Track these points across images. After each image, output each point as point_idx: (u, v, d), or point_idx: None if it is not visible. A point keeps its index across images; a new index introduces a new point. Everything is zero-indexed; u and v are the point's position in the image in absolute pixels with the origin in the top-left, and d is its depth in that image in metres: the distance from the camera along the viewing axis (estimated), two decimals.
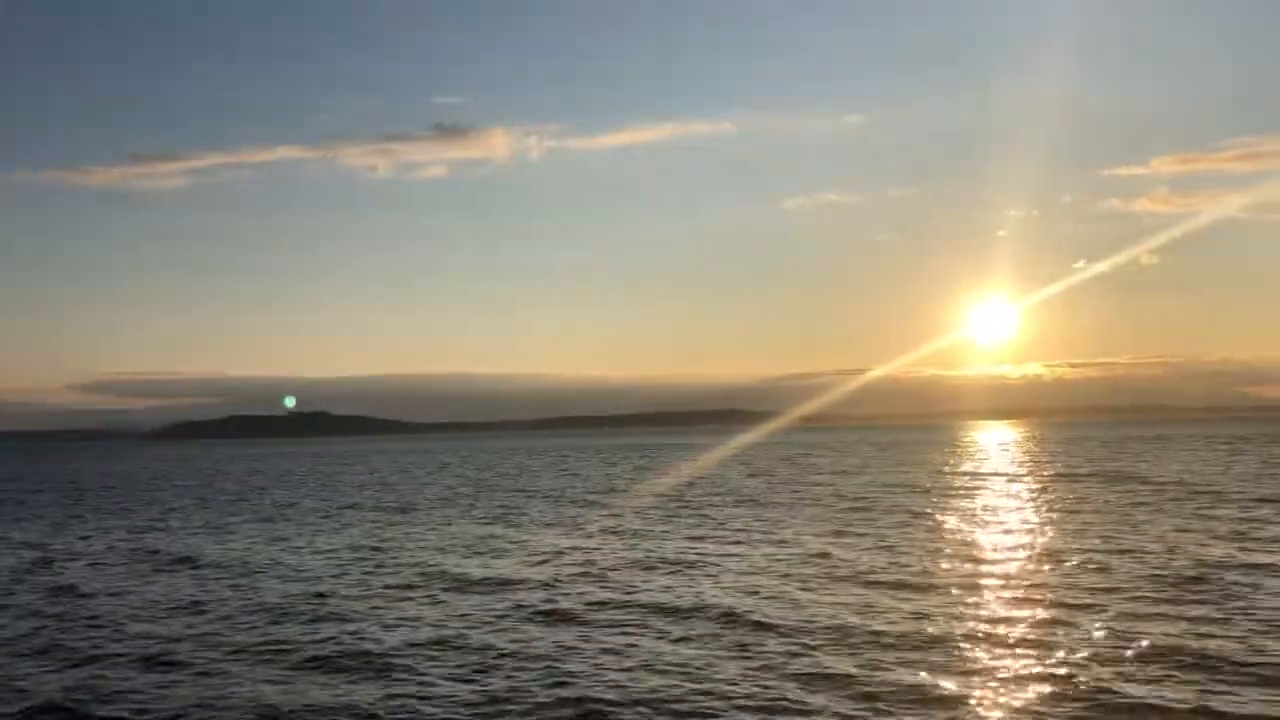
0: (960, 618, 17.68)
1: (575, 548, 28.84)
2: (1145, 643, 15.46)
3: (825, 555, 25.50)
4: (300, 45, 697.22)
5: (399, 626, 18.55)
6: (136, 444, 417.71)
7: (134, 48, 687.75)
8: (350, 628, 18.49)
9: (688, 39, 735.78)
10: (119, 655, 16.99)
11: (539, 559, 26.68)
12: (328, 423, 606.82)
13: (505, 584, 22.73)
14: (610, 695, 13.79)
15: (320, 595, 22.00)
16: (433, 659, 16.08)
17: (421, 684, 14.73)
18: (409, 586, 22.94)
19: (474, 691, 14.26)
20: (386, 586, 23.01)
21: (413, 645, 16.96)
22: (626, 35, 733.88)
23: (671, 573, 23.72)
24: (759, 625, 17.61)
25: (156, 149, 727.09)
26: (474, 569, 25.13)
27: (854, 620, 17.64)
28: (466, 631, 17.96)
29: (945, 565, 23.46)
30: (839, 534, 30.05)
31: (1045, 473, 58.52)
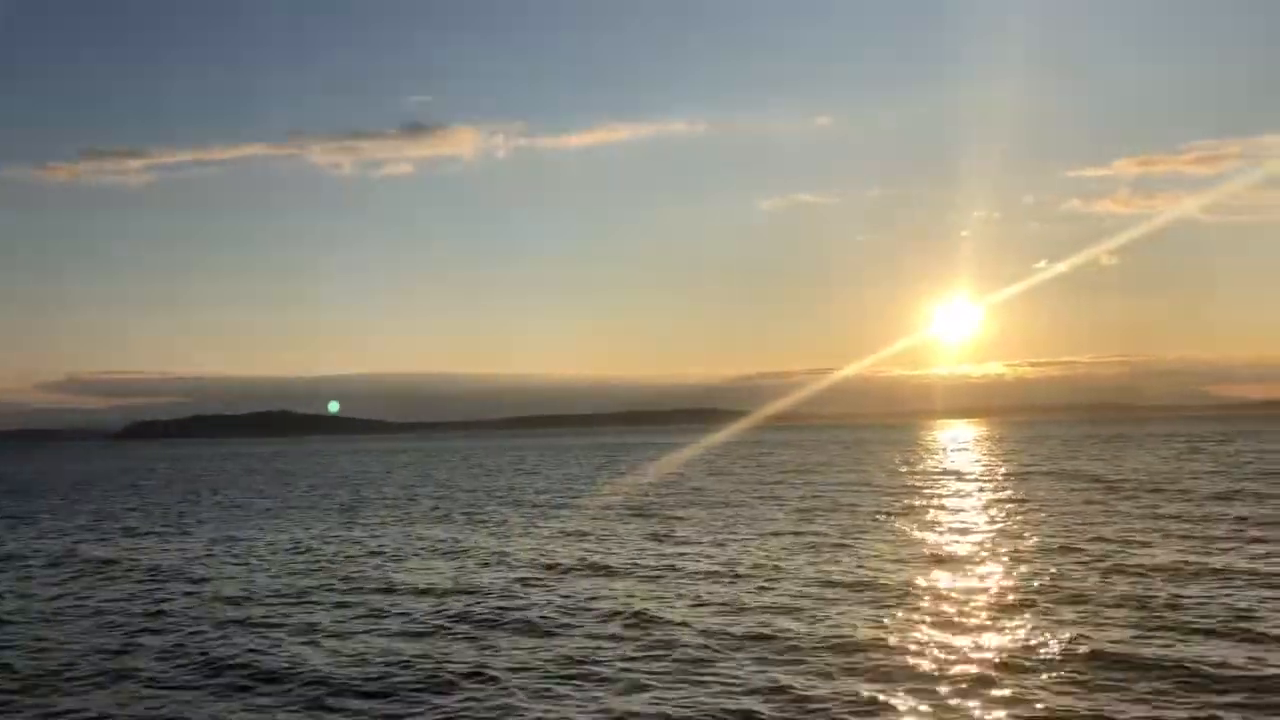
0: (882, 622, 17.15)
1: (510, 551, 28.15)
2: (1065, 645, 14.98)
3: (766, 559, 24.93)
4: (267, 41, 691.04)
5: (303, 633, 17.79)
6: (102, 444, 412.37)
7: (100, 42, 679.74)
8: (244, 636, 17.66)
9: (658, 39, 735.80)
10: None
11: (470, 562, 25.98)
12: (298, 423, 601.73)
13: (423, 591, 21.95)
14: (507, 701, 13.16)
15: (226, 600, 21.23)
16: (327, 667, 15.35)
17: (305, 693, 14.02)
18: (316, 589, 22.18)
19: (361, 698, 13.59)
20: (297, 590, 22.21)
21: (303, 650, 16.22)
22: (596, 34, 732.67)
23: (597, 576, 23.08)
24: (667, 625, 17.02)
25: (121, 145, 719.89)
26: (398, 573, 24.38)
27: (777, 623, 17.07)
28: (369, 638, 17.24)
29: (878, 567, 22.94)
30: (777, 534, 29.53)
31: (997, 472, 58.40)
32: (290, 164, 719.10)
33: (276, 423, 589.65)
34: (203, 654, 16.44)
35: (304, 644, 16.84)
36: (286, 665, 15.44)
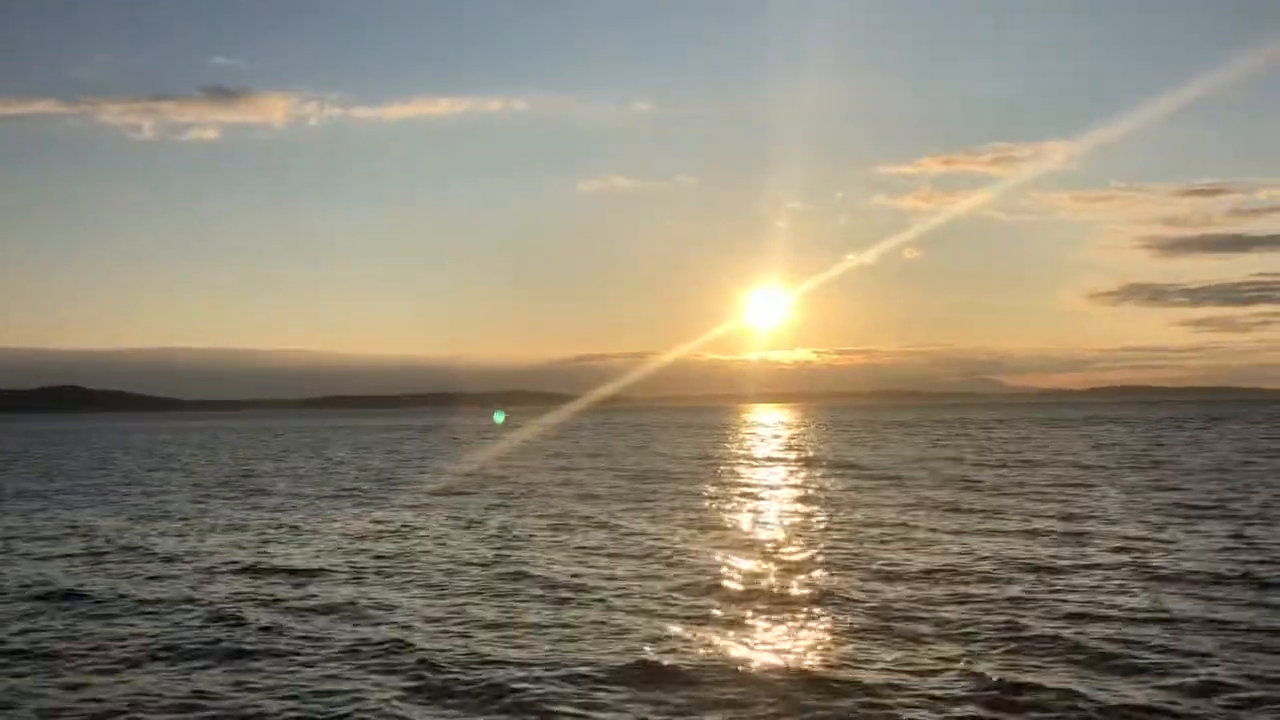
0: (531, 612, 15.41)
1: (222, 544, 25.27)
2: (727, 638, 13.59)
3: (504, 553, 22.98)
4: None
5: None
6: None
7: None
8: None
9: (480, 13, 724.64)
10: None
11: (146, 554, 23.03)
12: (84, 399, 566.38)
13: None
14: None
15: None
16: None
17: None
18: None
19: None
20: None
21: None
22: (414, 4, 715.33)
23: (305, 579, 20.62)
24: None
25: None
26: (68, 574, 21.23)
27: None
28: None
29: (555, 558, 21.31)
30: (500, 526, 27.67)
31: (758, 457, 58.54)
32: (83, 124, 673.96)
33: (63, 399, 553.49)
34: None
35: None
36: None
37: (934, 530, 24.93)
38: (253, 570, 21.07)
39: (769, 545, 23.19)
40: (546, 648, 14.10)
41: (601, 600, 17.22)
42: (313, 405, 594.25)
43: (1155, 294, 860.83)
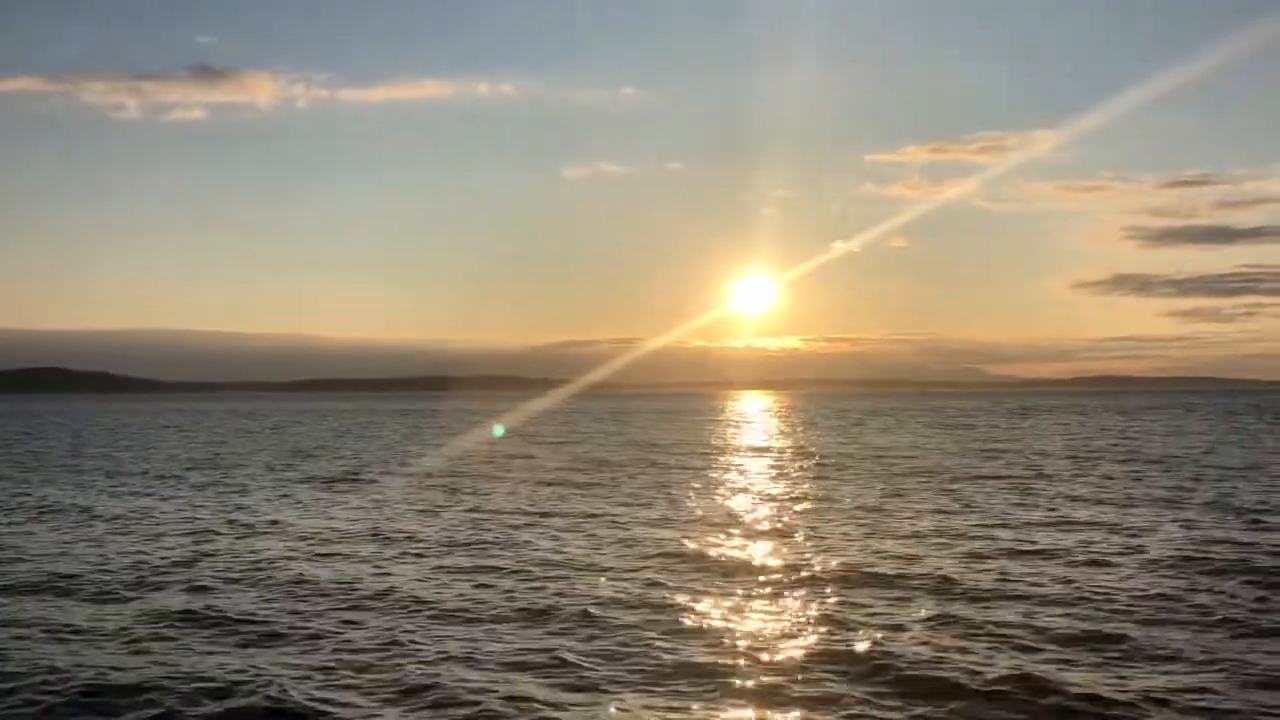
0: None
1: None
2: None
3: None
4: None
5: None
6: None
7: None
8: None
9: None
10: None
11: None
12: (64, 380, 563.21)
13: None
14: None
15: None
16: None
17: None
18: None
19: None
20: None
21: None
22: None
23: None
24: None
25: None
26: None
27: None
28: None
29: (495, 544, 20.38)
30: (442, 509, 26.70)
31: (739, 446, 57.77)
32: (65, 102, 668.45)
33: (45, 380, 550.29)
34: None
35: None
36: None
37: (857, 519, 24.10)
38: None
39: (686, 531, 22.28)
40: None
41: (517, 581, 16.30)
42: (296, 388, 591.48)
43: (1142, 284, 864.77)
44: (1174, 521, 23.40)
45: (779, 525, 23.93)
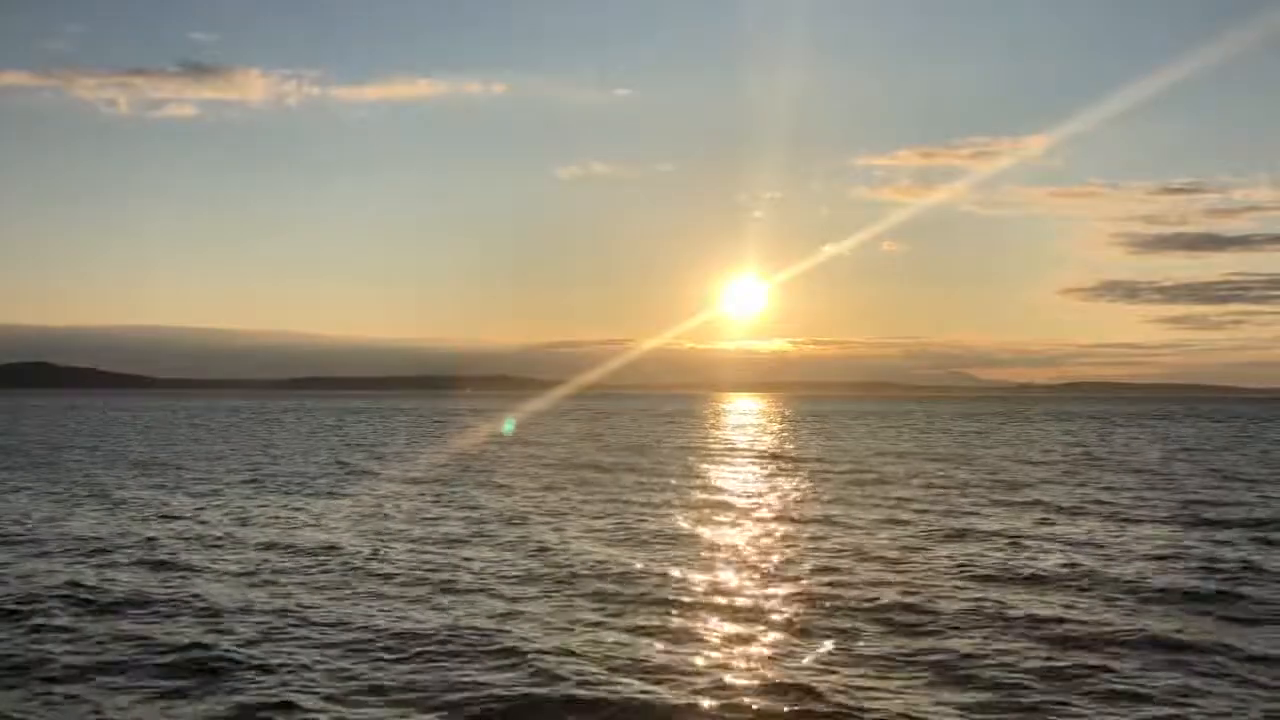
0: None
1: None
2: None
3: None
4: None
5: None
6: None
7: None
8: None
9: None
10: None
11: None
12: (54, 376, 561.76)
13: None
14: None
15: None
16: None
17: None
18: None
19: None
20: None
21: None
22: None
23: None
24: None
25: None
26: None
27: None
28: None
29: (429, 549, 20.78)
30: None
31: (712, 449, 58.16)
32: (56, 98, 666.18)
33: (32, 376, 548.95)
34: None
35: None
36: None
37: (803, 521, 24.55)
38: None
39: (639, 535, 22.72)
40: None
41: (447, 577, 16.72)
42: (286, 386, 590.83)
43: (1130, 291, 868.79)
44: (1115, 532, 23.89)
45: (701, 535, 24.35)
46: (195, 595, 16.57)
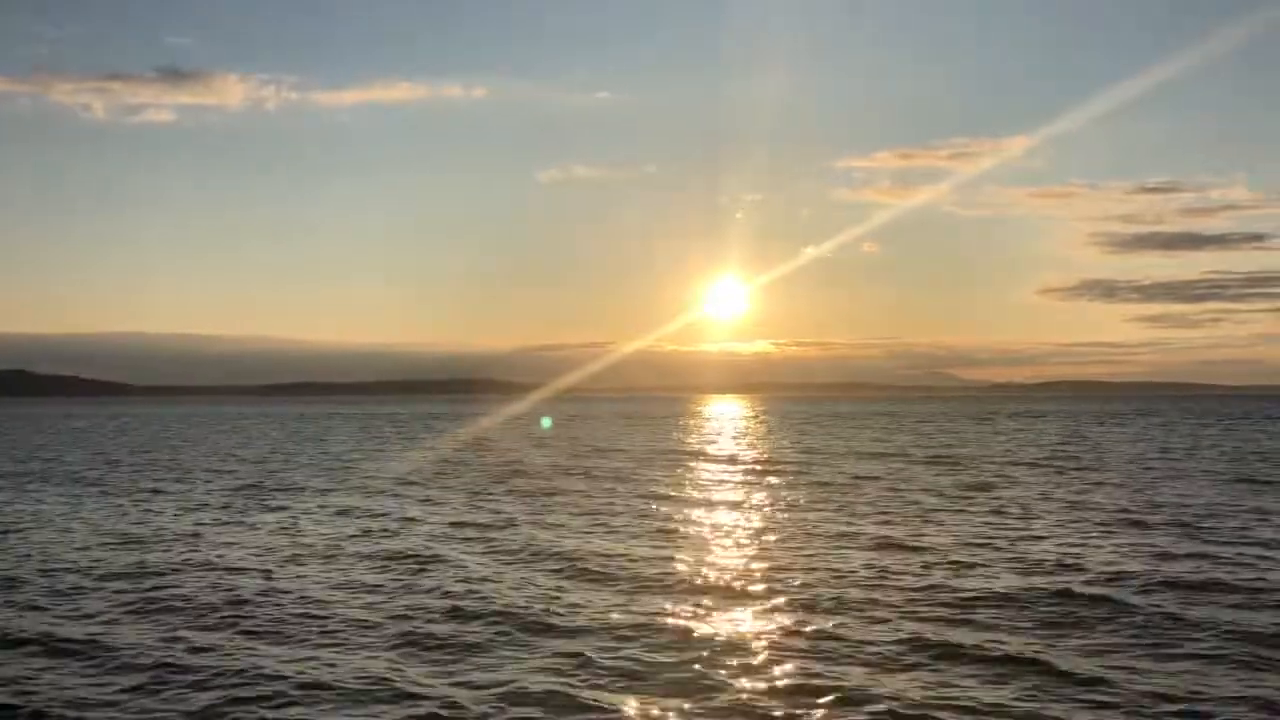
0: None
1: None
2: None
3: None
4: None
5: None
6: None
7: None
8: None
9: None
10: None
11: None
12: (31, 384, 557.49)
13: None
14: None
15: None
16: None
17: None
18: None
19: None
20: None
21: None
22: None
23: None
24: None
25: None
26: None
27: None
28: None
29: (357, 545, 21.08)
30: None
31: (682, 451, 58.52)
32: (32, 102, 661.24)
33: (11, 384, 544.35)
34: None
35: None
36: None
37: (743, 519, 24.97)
38: None
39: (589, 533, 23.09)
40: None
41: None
42: (269, 392, 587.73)
43: (1109, 290, 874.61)
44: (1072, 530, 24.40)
45: (663, 529, 24.77)
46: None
